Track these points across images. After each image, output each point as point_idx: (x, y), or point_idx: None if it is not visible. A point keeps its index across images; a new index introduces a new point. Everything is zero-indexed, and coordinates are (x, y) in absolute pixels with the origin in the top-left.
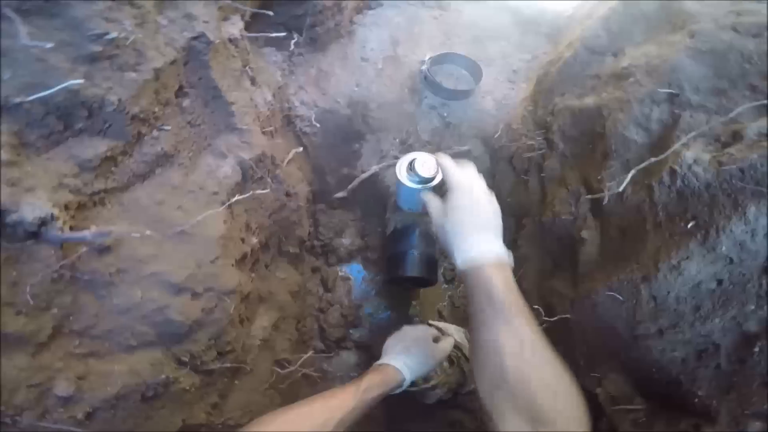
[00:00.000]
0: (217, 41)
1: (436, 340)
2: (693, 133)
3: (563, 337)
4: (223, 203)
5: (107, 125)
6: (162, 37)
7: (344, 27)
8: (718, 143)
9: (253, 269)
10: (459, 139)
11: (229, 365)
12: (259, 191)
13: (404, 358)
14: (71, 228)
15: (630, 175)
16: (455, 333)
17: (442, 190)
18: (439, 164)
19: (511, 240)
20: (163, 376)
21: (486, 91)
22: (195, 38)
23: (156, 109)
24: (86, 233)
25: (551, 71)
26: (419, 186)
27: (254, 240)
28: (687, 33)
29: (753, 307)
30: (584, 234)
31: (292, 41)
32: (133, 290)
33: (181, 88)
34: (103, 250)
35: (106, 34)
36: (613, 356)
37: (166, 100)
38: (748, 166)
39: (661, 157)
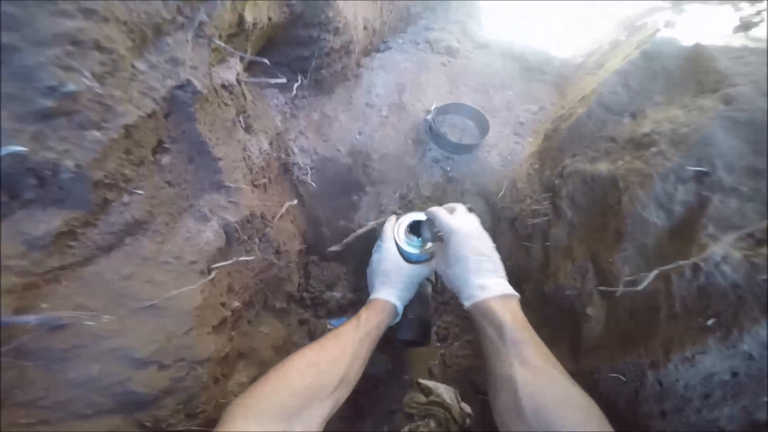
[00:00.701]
0: (206, 90)
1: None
2: (734, 236)
3: None
4: (202, 272)
5: (64, 194)
6: (138, 86)
7: (351, 69)
8: (751, 239)
9: (234, 328)
10: (461, 196)
11: (196, 427)
12: (243, 258)
13: (387, 288)
14: (16, 309)
15: (653, 275)
16: (444, 393)
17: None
18: (430, 214)
19: None
20: None
21: (491, 144)
22: (179, 87)
23: (127, 171)
24: (30, 318)
25: (561, 127)
26: (417, 251)
27: (236, 303)
28: (721, 98)
29: (766, 398)
30: (589, 311)
31: (296, 84)
32: (90, 365)
33: (160, 143)
34: (56, 327)
35: (62, 86)
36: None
37: (140, 158)
38: None
39: (691, 261)
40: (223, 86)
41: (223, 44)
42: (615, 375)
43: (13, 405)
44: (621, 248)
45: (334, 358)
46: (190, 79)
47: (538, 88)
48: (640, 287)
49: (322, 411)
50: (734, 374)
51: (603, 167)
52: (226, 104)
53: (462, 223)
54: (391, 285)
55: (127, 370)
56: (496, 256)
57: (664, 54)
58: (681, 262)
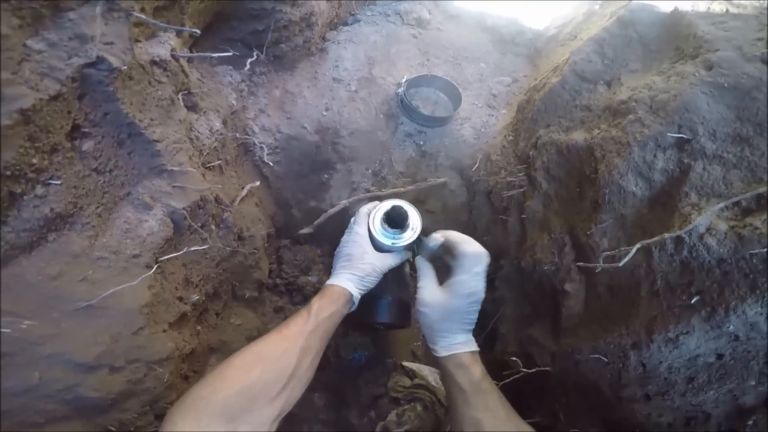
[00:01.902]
0: (126, 67)
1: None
2: (720, 205)
3: (542, 388)
4: (147, 266)
5: None
6: (33, 67)
7: (315, 44)
8: (737, 208)
9: (199, 321)
10: (435, 170)
11: None
12: (197, 247)
13: (346, 273)
14: None
15: (634, 250)
16: (429, 375)
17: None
18: (452, 244)
19: (487, 281)
20: None
21: (464, 117)
22: (90, 65)
23: (35, 160)
24: None
25: (535, 98)
26: (392, 242)
27: (196, 296)
28: (702, 63)
29: (754, 382)
30: (568, 287)
31: (249, 60)
32: (28, 373)
33: (77, 127)
34: None
35: None
36: (594, 411)
37: (51, 146)
38: None
39: (677, 234)
40: (154, 62)
41: (144, 17)
42: (597, 356)
43: None
44: (599, 220)
45: (281, 354)
46: (103, 55)
47: (511, 60)
48: (621, 263)
49: (270, 410)
50: (719, 356)
51: (578, 136)
52: (159, 81)
53: (479, 274)
54: (352, 270)
55: (72, 375)
56: (476, 316)
57: (641, 20)
58: (665, 235)
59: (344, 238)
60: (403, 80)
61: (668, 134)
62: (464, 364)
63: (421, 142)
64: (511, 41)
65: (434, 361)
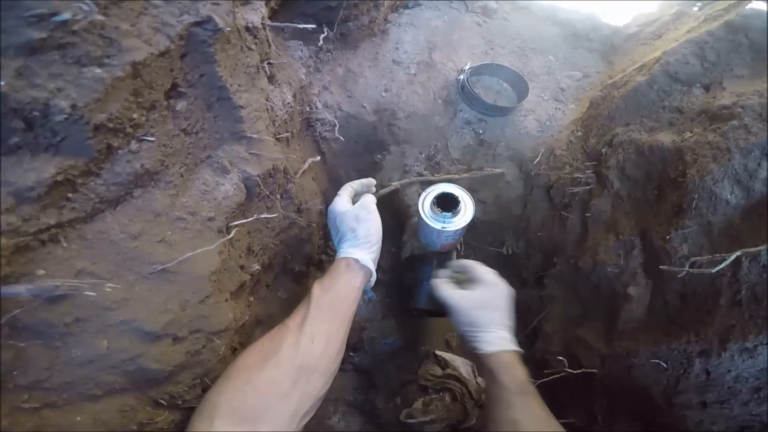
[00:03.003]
0: (229, 29)
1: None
2: None
3: (582, 389)
4: (220, 231)
5: (59, 139)
6: (149, 21)
7: (378, 24)
8: None
9: (252, 293)
10: (493, 160)
11: None
12: (265, 215)
13: (347, 245)
14: (5, 277)
15: (733, 257)
16: (462, 366)
17: (458, 278)
18: (465, 265)
19: (535, 276)
20: (135, 426)
21: (528, 109)
22: (198, 24)
23: (135, 115)
24: (21, 288)
25: (613, 95)
26: (441, 226)
27: (256, 266)
28: None
29: None
30: (631, 291)
31: (322, 35)
32: (97, 340)
33: (175, 86)
34: (56, 298)
35: (54, 14)
36: (636, 417)
37: (151, 102)
38: None
39: None
40: (247, 28)
41: None
42: (655, 361)
43: (13, 389)
44: (682, 224)
45: (285, 347)
46: (210, 15)
47: (583, 55)
48: (715, 270)
49: (285, 407)
50: None
51: (665, 138)
52: (249, 48)
53: (495, 275)
54: (352, 235)
55: (138, 345)
56: (513, 316)
57: (753, 26)
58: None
59: (331, 209)
60: (466, 67)
61: None
62: (510, 363)
63: (480, 131)
64: (584, 36)
65: (477, 360)
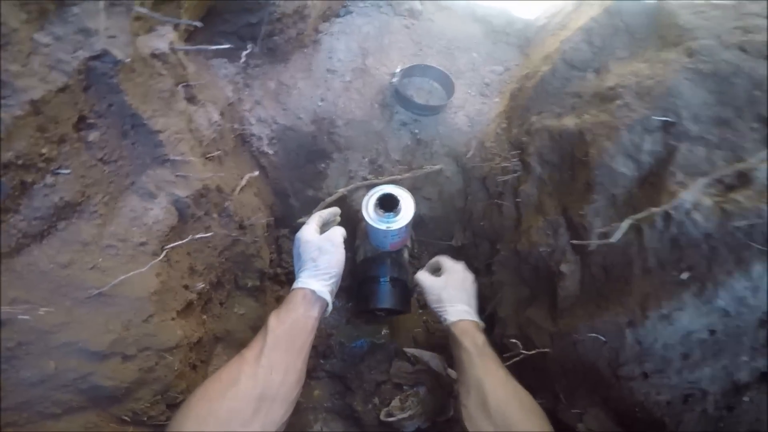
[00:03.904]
0: (130, 60)
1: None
2: (704, 180)
3: (542, 370)
4: (154, 254)
5: None
6: (41, 60)
7: (308, 36)
8: (721, 184)
9: (204, 311)
10: (431, 158)
11: None
12: (201, 235)
13: (305, 275)
14: None
15: (626, 225)
16: (431, 360)
17: (432, 267)
18: (438, 260)
19: (485, 264)
20: None
21: (458, 105)
22: (95, 58)
23: (44, 150)
24: None
25: (527, 86)
26: (386, 226)
27: (201, 285)
28: (684, 51)
29: (746, 358)
30: (563, 268)
31: (244, 52)
32: (44, 362)
33: (83, 119)
34: None
35: None
36: (594, 391)
37: (60, 136)
38: (757, 219)
39: (664, 209)
40: (154, 55)
41: (145, 11)
42: (594, 335)
43: None
44: (591, 200)
45: (243, 378)
46: (107, 48)
47: (503, 49)
48: (613, 239)
49: None
50: (712, 332)
51: (569, 122)
52: (159, 74)
53: (461, 265)
54: (309, 265)
55: (86, 364)
56: (476, 297)
57: (627, 10)
58: (652, 209)
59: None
60: (397, 70)
61: (654, 118)
62: (469, 329)
63: (417, 131)
64: (502, 31)
65: (445, 332)
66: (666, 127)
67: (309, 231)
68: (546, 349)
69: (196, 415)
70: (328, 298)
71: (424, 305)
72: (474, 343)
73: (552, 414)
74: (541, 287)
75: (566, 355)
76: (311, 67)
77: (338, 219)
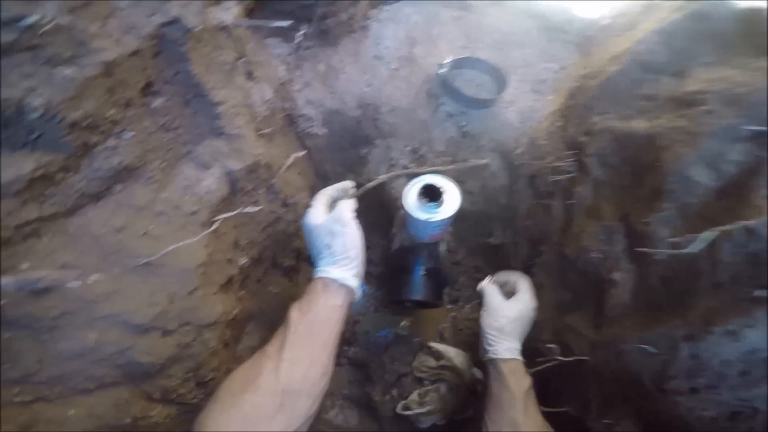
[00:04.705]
0: (199, 28)
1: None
2: None
3: (575, 377)
4: (203, 224)
5: (35, 136)
6: (117, 23)
7: (357, 21)
8: None
9: (242, 287)
10: (476, 152)
11: (209, 393)
12: (249, 209)
13: (323, 263)
14: None
15: (710, 237)
16: (455, 357)
17: (505, 288)
18: (513, 278)
19: (523, 265)
20: (129, 420)
21: (509, 101)
22: (167, 24)
23: (111, 112)
24: (4, 281)
25: (588, 85)
26: (428, 217)
27: (243, 259)
28: None
29: None
30: (616, 276)
31: (299, 33)
32: (85, 333)
33: (149, 85)
34: (40, 291)
35: (21, 18)
36: (629, 403)
37: (126, 100)
38: None
39: (753, 223)
40: (220, 28)
41: None
42: (643, 346)
43: (5, 381)
44: (660, 207)
45: (264, 373)
46: (179, 15)
47: (559, 47)
48: (692, 249)
49: (272, 429)
50: None
51: (638, 125)
52: (223, 47)
53: (533, 298)
54: (327, 250)
55: (127, 337)
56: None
57: (716, 15)
58: (743, 223)
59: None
60: (446, 61)
61: (744, 127)
62: (518, 371)
63: (463, 123)
64: (559, 29)
65: (487, 362)
66: (757, 137)
67: (315, 214)
68: (584, 357)
69: (221, 409)
70: (353, 283)
71: (455, 300)
72: (519, 386)
73: (581, 423)
74: (585, 293)
75: (606, 364)
76: (359, 52)
77: (352, 191)
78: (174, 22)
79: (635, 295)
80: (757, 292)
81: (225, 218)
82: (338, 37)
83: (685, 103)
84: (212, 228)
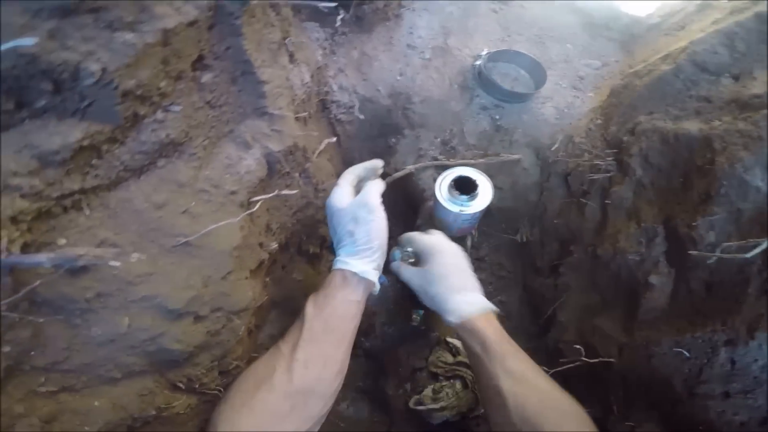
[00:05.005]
0: (255, 3)
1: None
2: None
3: (597, 379)
4: (241, 205)
5: (86, 103)
6: None
7: (392, 9)
8: None
9: (268, 273)
10: (509, 146)
11: (230, 383)
12: (285, 191)
13: (344, 254)
14: (26, 245)
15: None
16: None
17: (415, 257)
18: (405, 237)
19: (550, 265)
20: (153, 411)
21: (546, 96)
22: None
23: (163, 84)
24: (42, 257)
25: (635, 84)
26: (459, 209)
27: (274, 244)
28: None
29: None
30: (653, 279)
31: (339, 17)
32: (119, 318)
33: (201, 58)
34: (78, 270)
35: None
36: (654, 407)
37: (178, 72)
38: None
39: None
40: (271, 4)
41: None
42: (678, 350)
43: (30, 371)
44: (710, 211)
45: (277, 372)
46: None
47: (602, 43)
48: (749, 255)
49: (284, 429)
50: None
51: (692, 126)
52: (273, 25)
53: (438, 241)
54: (346, 240)
55: (160, 323)
56: (472, 275)
57: None
58: None
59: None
60: (483, 53)
61: None
62: (477, 328)
63: (497, 117)
64: (603, 25)
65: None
66: None
67: (340, 195)
68: (611, 359)
69: (232, 407)
70: (374, 277)
71: None
72: (482, 346)
73: (601, 424)
74: (617, 295)
75: (635, 367)
76: (392, 40)
77: (380, 171)
78: None
79: (673, 299)
80: None
81: (263, 199)
82: (373, 24)
83: (747, 105)
84: (253, 210)
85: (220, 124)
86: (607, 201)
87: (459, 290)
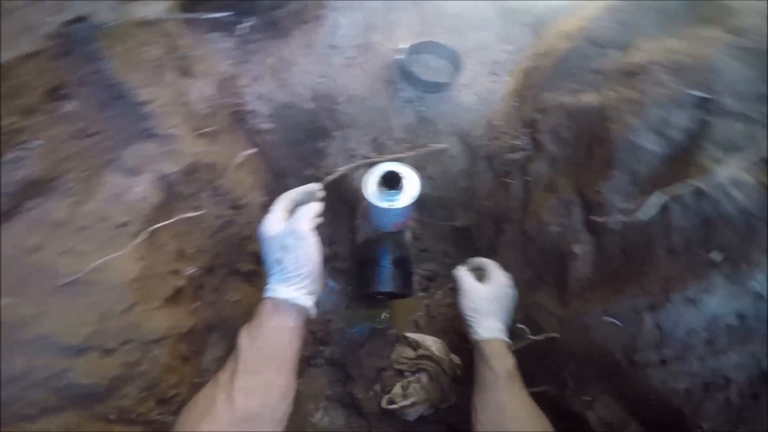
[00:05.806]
0: (115, 24)
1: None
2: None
3: (549, 356)
4: (135, 235)
5: None
6: (9, 25)
7: (311, 11)
8: (764, 163)
9: (197, 298)
10: (435, 136)
11: (174, 410)
12: (189, 214)
13: (273, 281)
14: None
15: (660, 201)
16: (433, 345)
17: (478, 274)
18: (485, 263)
19: (490, 247)
20: None
21: (465, 84)
22: (74, 22)
23: (10, 121)
24: None
25: (543, 64)
26: (389, 205)
27: (192, 269)
28: (726, 29)
29: None
30: (576, 249)
31: (239, 26)
32: (12, 359)
33: (58, 88)
34: None
35: None
36: (605, 378)
37: (27, 107)
38: None
39: (699, 185)
40: (145, 23)
41: None
42: (609, 319)
43: None
44: (610, 176)
45: (216, 404)
46: (88, 12)
47: (515, 29)
48: (642, 215)
49: None
50: (741, 317)
51: (589, 98)
52: (149, 42)
53: (506, 278)
54: (279, 273)
55: (59, 360)
56: (513, 311)
57: None
58: (690, 182)
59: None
60: (405, 46)
61: (688, 93)
62: (500, 351)
63: (422, 108)
64: (514, 10)
65: (473, 345)
66: (702, 103)
67: (272, 222)
68: (554, 334)
69: None
70: (306, 302)
71: (426, 288)
72: (503, 366)
73: (559, 401)
74: (549, 269)
75: (576, 340)
76: (312, 42)
77: (319, 195)
78: (80, 20)
79: (596, 267)
80: (712, 255)
81: (161, 227)
82: (289, 28)
83: (632, 73)
84: (139, 239)
85: (98, 153)
86: (527, 178)
87: (498, 318)
